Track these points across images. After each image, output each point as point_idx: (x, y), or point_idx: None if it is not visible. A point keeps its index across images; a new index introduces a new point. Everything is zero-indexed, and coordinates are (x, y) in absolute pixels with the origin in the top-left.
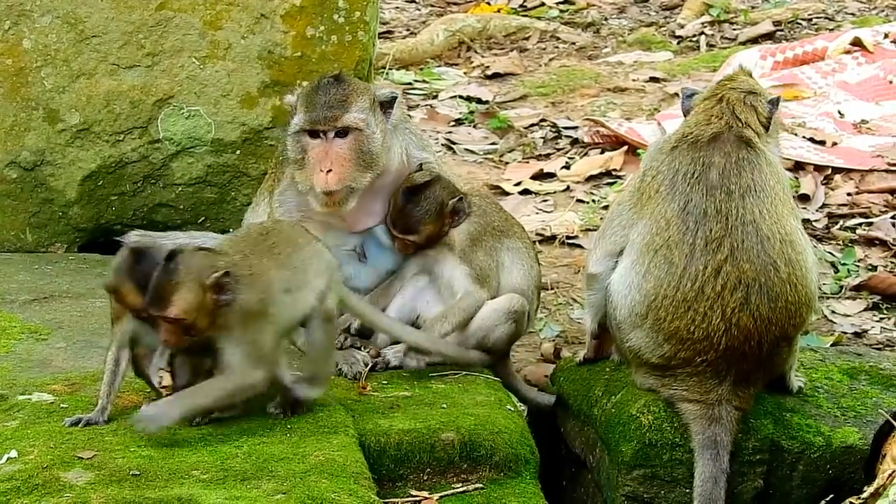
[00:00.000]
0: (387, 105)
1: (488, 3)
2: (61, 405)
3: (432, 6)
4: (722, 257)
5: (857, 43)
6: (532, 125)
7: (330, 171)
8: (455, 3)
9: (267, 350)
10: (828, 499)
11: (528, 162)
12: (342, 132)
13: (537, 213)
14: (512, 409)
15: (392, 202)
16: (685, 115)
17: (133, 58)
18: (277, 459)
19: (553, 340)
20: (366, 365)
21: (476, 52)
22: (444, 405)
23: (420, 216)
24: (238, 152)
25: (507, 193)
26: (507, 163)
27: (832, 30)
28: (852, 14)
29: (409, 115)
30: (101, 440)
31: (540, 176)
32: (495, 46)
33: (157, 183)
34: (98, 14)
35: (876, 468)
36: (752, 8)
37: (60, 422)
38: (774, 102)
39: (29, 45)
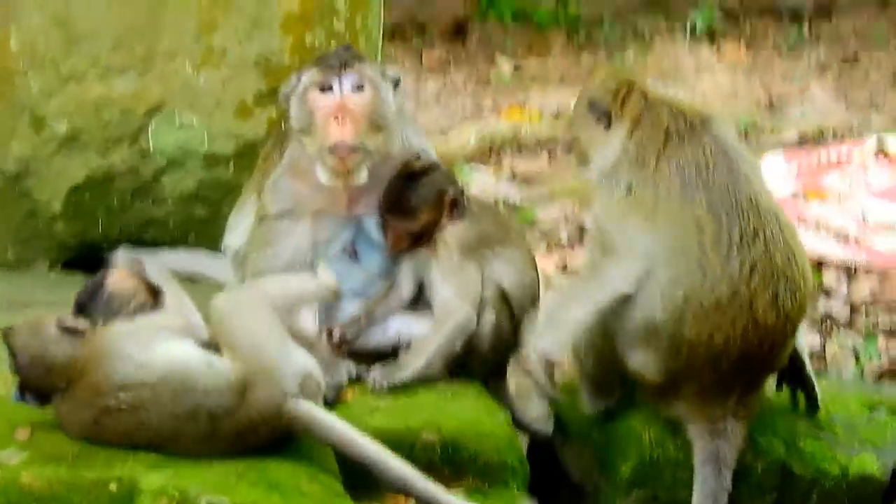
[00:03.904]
0: (395, 83)
1: (521, 109)
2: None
3: (464, 108)
4: (758, 253)
5: (881, 150)
6: (557, 222)
7: (345, 121)
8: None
9: None
10: None
11: (550, 253)
12: (357, 86)
13: None
14: (501, 416)
15: (387, 187)
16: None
17: (125, 62)
18: None
19: None
20: (350, 377)
21: (506, 154)
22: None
23: (418, 201)
24: (232, 166)
25: None
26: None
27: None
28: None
29: None
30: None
31: (563, 268)
32: (525, 150)
33: (146, 198)
34: (90, 14)
35: None
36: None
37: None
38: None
39: (16, 46)
